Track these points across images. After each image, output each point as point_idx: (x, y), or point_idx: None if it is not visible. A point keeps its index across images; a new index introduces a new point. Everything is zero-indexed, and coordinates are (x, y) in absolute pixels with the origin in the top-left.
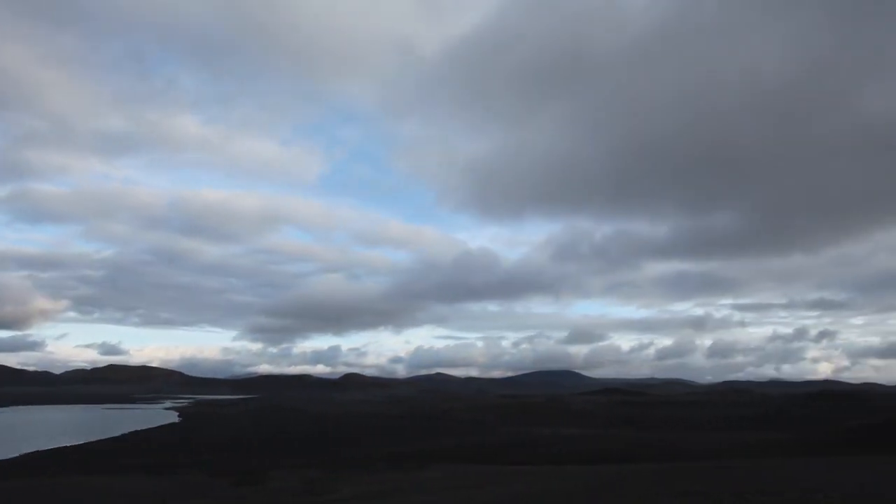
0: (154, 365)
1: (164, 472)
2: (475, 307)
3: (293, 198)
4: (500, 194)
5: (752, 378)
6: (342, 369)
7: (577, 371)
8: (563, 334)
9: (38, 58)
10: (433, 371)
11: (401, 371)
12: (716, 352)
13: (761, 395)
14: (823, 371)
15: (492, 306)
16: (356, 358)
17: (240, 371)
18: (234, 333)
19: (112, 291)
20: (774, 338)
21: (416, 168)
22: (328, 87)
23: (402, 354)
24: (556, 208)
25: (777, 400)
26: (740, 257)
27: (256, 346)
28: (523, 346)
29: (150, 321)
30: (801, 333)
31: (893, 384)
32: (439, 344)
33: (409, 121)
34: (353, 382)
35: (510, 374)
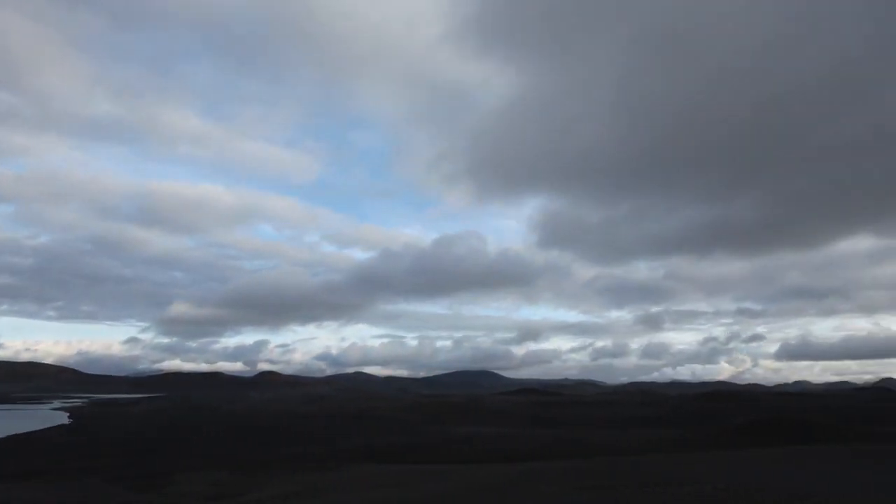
0: (48, 361)
1: (52, 479)
2: (421, 307)
3: (274, 197)
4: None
5: (656, 379)
6: (264, 367)
7: (496, 372)
8: (503, 335)
9: (37, 34)
10: (354, 370)
11: (324, 370)
12: (640, 354)
13: (663, 396)
14: (727, 373)
15: (439, 307)
16: (281, 355)
17: (145, 368)
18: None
19: (33, 281)
20: (693, 342)
21: (412, 175)
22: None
23: (334, 352)
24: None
25: (675, 400)
26: (673, 267)
27: (168, 341)
28: (450, 346)
29: (67, 315)
30: (713, 339)
31: (785, 382)
32: (374, 342)
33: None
34: (269, 381)
35: (433, 374)
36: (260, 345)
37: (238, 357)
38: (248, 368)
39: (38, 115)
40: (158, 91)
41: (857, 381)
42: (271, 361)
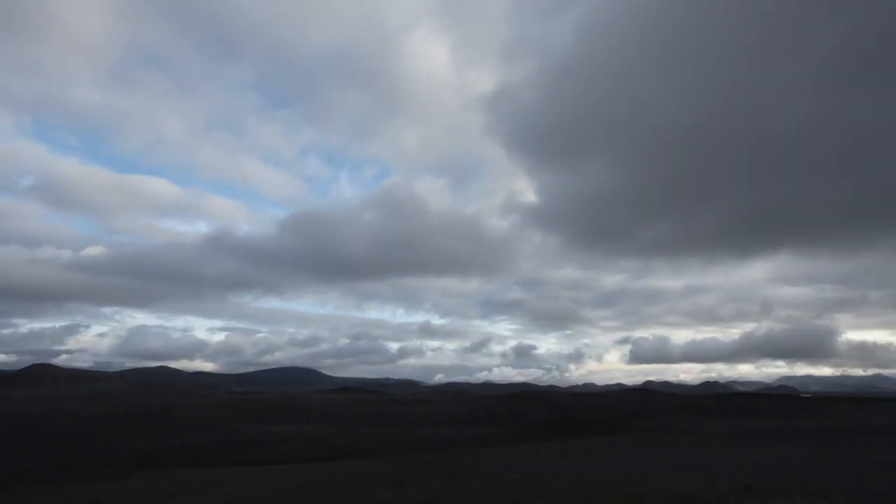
0: None
1: None
2: (241, 299)
3: None
4: None
5: (469, 380)
6: (28, 359)
7: (318, 370)
8: (328, 333)
9: None
10: (158, 364)
11: (123, 363)
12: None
13: (476, 396)
14: (533, 375)
15: (263, 301)
16: (50, 344)
17: None
18: None
19: None
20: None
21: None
22: None
23: (132, 344)
24: None
25: (486, 399)
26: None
27: None
28: (270, 341)
29: None
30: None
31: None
32: (177, 335)
33: None
34: (43, 375)
35: (248, 370)
36: (34, 333)
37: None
38: (14, 359)
39: None
40: None
41: (628, 383)
42: (49, 353)
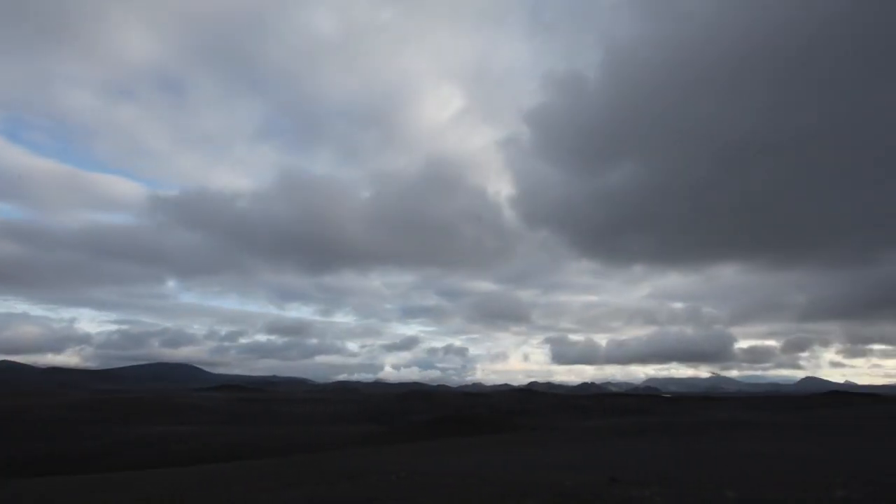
0: None
1: None
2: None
3: None
4: None
5: (359, 378)
6: None
7: (198, 366)
8: (207, 327)
9: None
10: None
11: None
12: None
13: (367, 395)
14: (432, 375)
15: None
16: None
17: None
18: None
19: None
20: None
21: None
22: None
23: None
24: None
25: (377, 399)
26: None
27: None
28: (136, 334)
29: None
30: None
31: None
32: (55, 325)
33: None
34: None
35: (114, 366)
36: None
37: None
38: None
39: None
40: None
41: (513, 383)
42: None
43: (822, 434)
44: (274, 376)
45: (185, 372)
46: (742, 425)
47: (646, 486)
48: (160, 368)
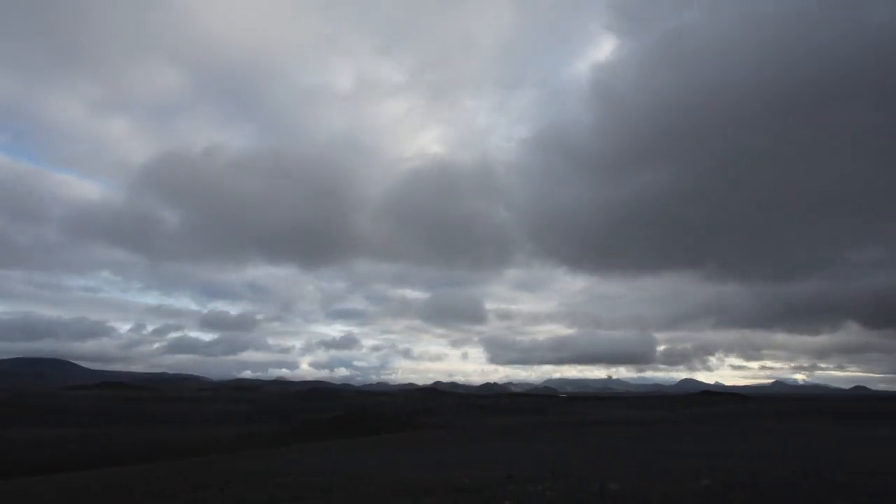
0: None
1: None
2: None
3: None
4: None
5: (258, 376)
6: None
7: (74, 362)
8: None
9: None
10: None
11: None
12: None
13: (266, 392)
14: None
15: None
16: None
17: None
18: None
19: None
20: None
21: None
22: None
23: None
24: None
25: (276, 396)
26: None
27: None
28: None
29: None
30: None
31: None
32: None
33: None
34: None
35: None
36: None
37: None
38: None
39: None
40: None
41: (419, 382)
42: None
43: (693, 429)
44: (164, 373)
45: (56, 368)
46: (627, 422)
47: (539, 481)
48: (27, 364)
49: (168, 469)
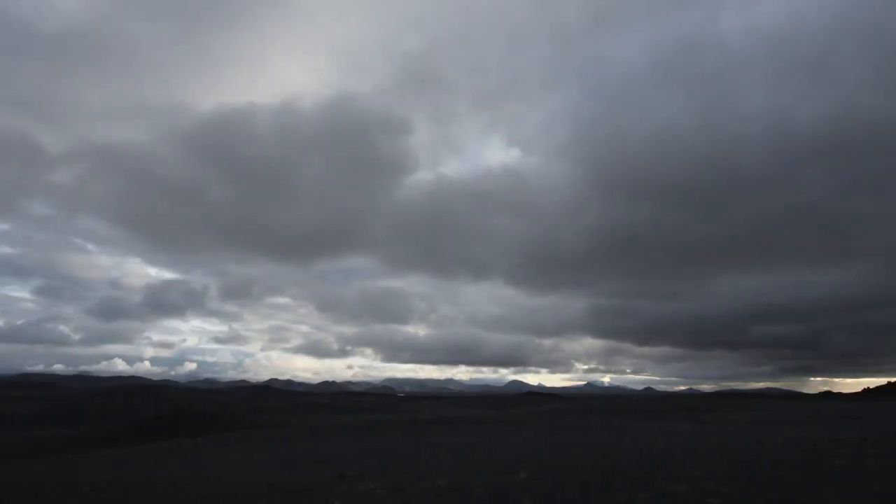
0: None
1: None
2: None
3: None
4: None
5: (58, 371)
6: None
7: None
8: None
9: None
10: None
11: None
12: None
13: (65, 390)
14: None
15: None
16: None
17: None
18: None
19: None
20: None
21: None
22: None
23: None
24: None
25: (80, 395)
26: None
27: None
28: None
29: None
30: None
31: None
32: None
33: None
34: None
35: None
36: None
37: None
38: None
39: None
40: None
41: (253, 380)
42: None
43: (516, 426)
44: None
45: None
46: (458, 421)
47: (371, 480)
48: None
49: None
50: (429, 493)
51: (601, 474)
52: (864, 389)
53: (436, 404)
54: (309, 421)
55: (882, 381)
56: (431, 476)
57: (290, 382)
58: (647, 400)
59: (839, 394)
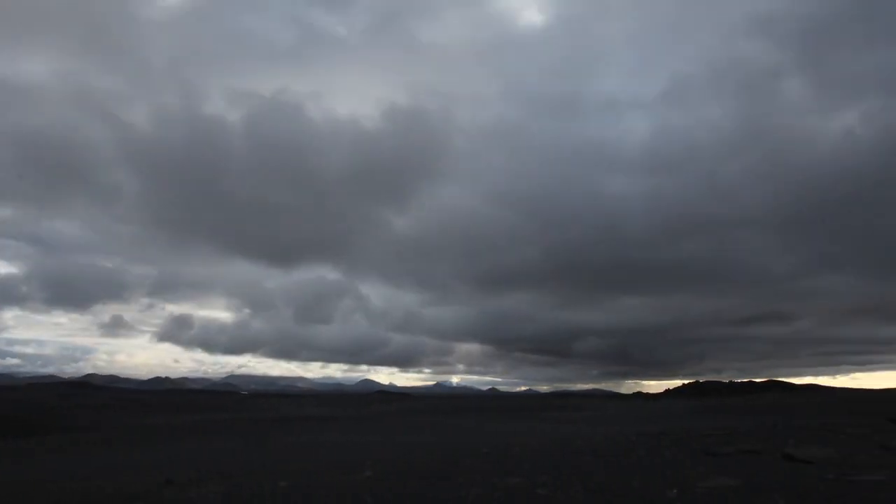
0: None
1: None
2: None
3: None
4: None
5: None
6: None
7: None
8: None
9: None
10: None
11: None
12: None
13: None
14: None
15: None
16: None
17: None
18: None
19: None
20: None
21: None
22: None
23: None
24: None
25: None
26: None
27: None
28: None
29: None
30: None
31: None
32: None
33: None
34: None
35: None
36: None
37: None
38: None
39: None
40: None
41: (66, 374)
42: None
43: (364, 425)
44: None
45: None
46: (306, 420)
47: (203, 484)
48: None
49: None
50: (268, 495)
51: (442, 471)
52: (666, 390)
53: (280, 402)
54: (134, 421)
55: (678, 382)
56: (272, 478)
57: (113, 378)
58: (492, 399)
59: (647, 394)
